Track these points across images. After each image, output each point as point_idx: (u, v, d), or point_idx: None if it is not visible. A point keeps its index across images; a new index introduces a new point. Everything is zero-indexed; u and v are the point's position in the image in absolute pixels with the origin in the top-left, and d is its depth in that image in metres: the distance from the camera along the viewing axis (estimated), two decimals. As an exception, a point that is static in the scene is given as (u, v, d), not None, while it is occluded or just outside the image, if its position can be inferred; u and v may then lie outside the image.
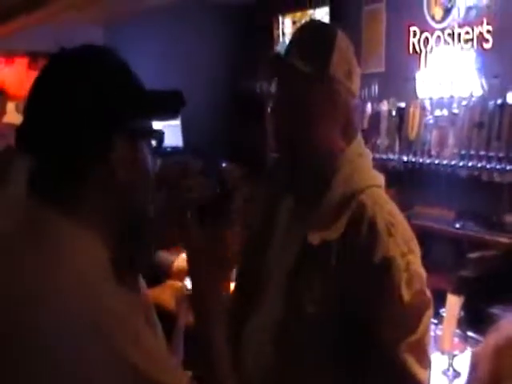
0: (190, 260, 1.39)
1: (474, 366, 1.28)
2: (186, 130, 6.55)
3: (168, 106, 1.24)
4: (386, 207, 1.62)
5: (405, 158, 5.24)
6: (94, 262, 1.11)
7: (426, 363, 1.55)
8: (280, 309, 1.62)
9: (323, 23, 1.73)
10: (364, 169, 1.70)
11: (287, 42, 1.71)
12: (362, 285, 1.54)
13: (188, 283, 3.72)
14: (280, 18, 6.65)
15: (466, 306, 2.93)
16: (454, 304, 3.00)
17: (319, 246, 1.58)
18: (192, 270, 1.39)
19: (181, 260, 3.63)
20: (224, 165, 6.78)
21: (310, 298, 1.58)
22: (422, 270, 1.58)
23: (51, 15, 5.95)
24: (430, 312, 1.57)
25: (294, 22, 6.55)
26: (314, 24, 1.79)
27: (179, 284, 3.42)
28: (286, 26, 6.66)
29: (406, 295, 1.52)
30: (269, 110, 1.72)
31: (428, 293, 1.57)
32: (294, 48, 1.66)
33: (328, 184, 1.65)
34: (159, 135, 1.24)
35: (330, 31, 1.68)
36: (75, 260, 1.08)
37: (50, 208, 1.12)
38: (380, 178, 1.71)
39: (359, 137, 1.73)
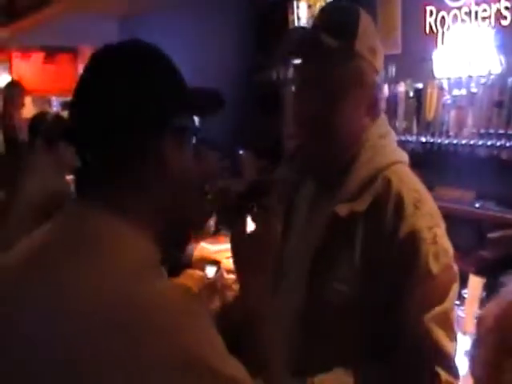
0: (238, 251, 1.39)
1: (478, 332, 1.28)
2: (202, 119, 6.58)
3: (209, 104, 1.26)
4: (411, 183, 1.64)
5: (423, 140, 5.09)
6: (148, 262, 1.10)
7: (452, 335, 1.55)
8: (302, 296, 1.62)
9: (346, 3, 1.73)
10: (388, 147, 1.70)
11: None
12: (390, 258, 1.55)
13: (209, 271, 3.74)
14: (295, 3, 6.48)
15: (487, 287, 2.92)
16: (475, 285, 3.01)
17: (347, 218, 1.59)
18: (239, 261, 1.39)
19: (200, 249, 3.65)
20: (241, 152, 6.79)
21: (336, 278, 1.58)
22: (449, 243, 1.60)
23: (66, 10, 5.99)
24: (457, 286, 1.59)
25: (309, 6, 6.49)
26: (337, 3, 1.80)
27: (200, 273, 3.44)
28: (302, 11, 6.61)
29: (434, 268, 1.53)
30: (291, 92, 1.72)
31: (455, 267, 1.59)
32: (318, 24, 1.65)
33: (352, 163, 1.66)
34: (200, 133, 1.26)
35: (354, 9, 1.68)
36: (131, 258, 1.08)
37: (101, 208, 1.11)
38: (404, 155, 1.73)
39: (383, 116, 1.73)
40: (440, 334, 1.52)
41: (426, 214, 1.59)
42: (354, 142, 1.67)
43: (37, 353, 1.00)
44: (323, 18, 1.69)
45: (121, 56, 1.17)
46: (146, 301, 1.02)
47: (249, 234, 1.38)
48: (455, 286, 1.59)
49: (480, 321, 1.36)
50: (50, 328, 1.01)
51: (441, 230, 1.61)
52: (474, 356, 1.33)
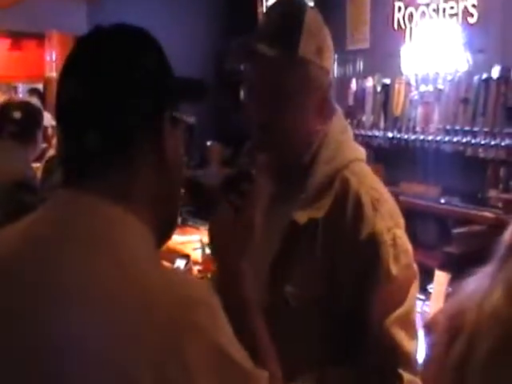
0: (217, 235, 1.39)
1: (428, 331, 1.32)
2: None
3: (195, 92, 1.25)
4: (369, 181, 1.63)
5: (390, 135, 5.26)
6: (157, 254, 1.11)
7: (413, 334, 1.56)
8: (261, 297, 1.57)
9: (290, 2, 1.72)
10: (346, 144, 1.70)
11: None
12: (349, 261, 1.55)
13: (180, 264, 3.75)
14: None
15: (453, 282, 2.96)
16: (441, 280, 3.05)
17: (306, 225, 1.58)
18: (219, 248, 1.40)
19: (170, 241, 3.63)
20: (209, 143, 6.77)
21: (292, 281, 1.59)
22: (408, 243, 1.59)
23: None
24: (417, 284, 1.59)
25: None
26: (282, 3, 1.75)
27: (170, 265, 3.43)
28: (270, 4, 6.62)
29: (394, 270, 1.53)
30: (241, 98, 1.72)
31: (414, 265, 1.59)
32: (261, 31, 1.63)
33: (312, 163, 1.64)
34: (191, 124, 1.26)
35: (299, 9, 1.64)
36: (146, 249, 1.07)
37: (107, 198, 1.08)
38: (362, 152, 1.71)
39: (339, 113, 1.71)
40: (402, 336, 1.54)
41: (385, 214, 1.59)
42: (308, 144, 1.67)
43: (68, 352, 0.97)
44: (266, 23, 1.67)
45: (119, 39, 1.15)
46: (183, 298, 1.02)
47: (229, 223, 1.38)
48: (415, 284, 1.60)
49: (433, 321, 1.39)
50: (82, 329, 0.98)
51: (400, 229, 1.60)
52: (427, 355, 1.35)
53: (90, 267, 1.00)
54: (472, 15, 4.68)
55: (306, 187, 1.62)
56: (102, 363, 0.94)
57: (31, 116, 3.53)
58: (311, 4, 5.74)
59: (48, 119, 3.89)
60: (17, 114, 3.48)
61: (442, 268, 3.16)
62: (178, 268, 3.45)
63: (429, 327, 1.36)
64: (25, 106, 3.61)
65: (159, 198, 1.14)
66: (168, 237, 1.23)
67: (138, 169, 1.11)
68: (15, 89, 7.21)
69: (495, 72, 4.40)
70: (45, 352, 0.97)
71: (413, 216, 4.15)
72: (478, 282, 1.24)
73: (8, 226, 1.13)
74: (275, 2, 1.74)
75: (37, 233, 1.08)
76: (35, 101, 4.09)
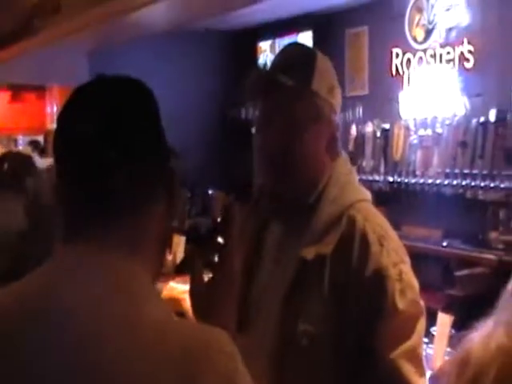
0: (196, 303, 1.37)
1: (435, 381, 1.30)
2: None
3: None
4: (375, 220, 1.65)
5: (390, 179, 5.31)
6: (162, 303, 1.10)
7: (421, 371, 1.57)
8: (274, 336, 1.63)
9: (303, 45, 1.79)
10: (352, 185, 1.73)
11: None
12: (357, 296, 1.57)
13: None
14: (264, 44, 6.77)
15: (456, 325, 2.95)
16: (444, 323, 3.03)
17: (314, 261, 1.61)
18: (199, 312, 1.37)
19: (169, 289, 3.63)
20: (211, 192, 6.79)
21: (303, 318, 1.60)
22: (414, 279, 1.61)
23: (33, 47, 6.00)
24: (424, 320, 1.61)
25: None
26: (295, 45, 1.86)
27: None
28: (270, 52, 6.76)
29: (400, 304, 1.55)
30: (253, 130, 1.75)
31: (421, 302, 1.60)
32: (276, 65, 1.70)
33: (318, 201, 1.67)
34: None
35: (310, 50, 1.73)
36: (158, 299, 1.08)
37: (122, 253, 1.06)
38: (367, 193, 1.74)
39: (344, 156, 1.75)
40: (409, 370, 1.54)
41: (391, 250, 1.61)
42: (316, 179, 1.71)
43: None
44: (281, 59, 1.75)
45: (124, 86, 1.17)
46: (204, 342, 1.02)
47: (205, 284, 1.37)
48: (422, 321, 1.61)
49: (440, 370, 1.38)
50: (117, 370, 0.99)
51: (406, 265, 1.62)
52: None
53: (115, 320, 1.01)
54: (468, 60, 4.76)
55: (313, 226, 1.65)
56: None
57: (20, 165, 3.55)
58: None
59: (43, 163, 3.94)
60: (5, 166, 3.52)
61: (445, 310, 3.15)
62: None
63: (436, 377, 1.35)
64: (12, 157, 3.67)
65: (158, 246, 1.15)
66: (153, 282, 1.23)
67: (149, 216, 1.10)
68: (15, 141, 7.28)
69: (492, 115, 4.48)
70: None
71: (415, 259, 4.12)
72: (483, 329, 1.24)
73: (19, 282, 1.10)
74: (288, 43, 1.82)
75: (56, 297, 1.04)
76: (28, 150, 4.14)
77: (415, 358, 1.56)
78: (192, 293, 1.37)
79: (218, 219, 1.42)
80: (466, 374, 1.21)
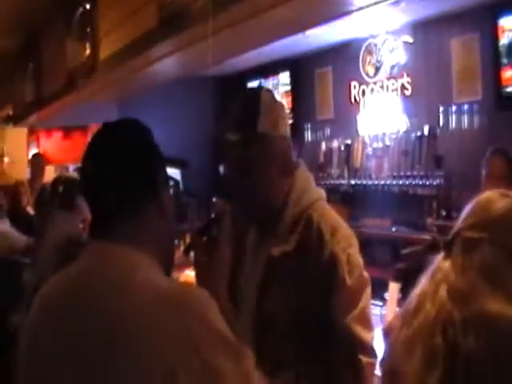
0: (198, 272, 1.52)
1: (386, 334, 1.38)
2: (184, 175, 7.10)
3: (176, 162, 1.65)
4: (328, 215, 1.76)
5: (352, 182, 5.68)
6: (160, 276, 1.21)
7: (369, 328, 1.69)
8: (250, 314, 1.78)
9: (250, 90, 1.79)
10: (310, 188, 1.81)
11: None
12: (316, 277, 1.68)
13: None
14: (252, 84, 7.01)
15: (402, 291, 3.18)
16: (394, 290, 3.25)
17: (279, 257, 1.72)
18: (201, 281, 1.51)
19: (185, 277, 3.87)
20: (214, 199, 7.32)
21: (274, 300, 1.73)
22: (360, 258, 1.72)
23: (79, 100, 6.68)
24: (369, 290, 1.71)
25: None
26: (242, 94, 1.89)
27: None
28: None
29: (349, 281, 1.66)
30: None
31: (366, 274, 1.72)
32: (227, 121, 1.75)
33: (282, 208, 1.76)
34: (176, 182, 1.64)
35: (255, 94, 1.76)
36: (162, 280, 1.18)
37: (127, 246, 1.20)
38: (322, 193, 1.83)
39: (302, 165, 1.83)
40: (360, 330, 1.64)
41: (341, 238, 1.68)
42: (279, 196, 1.76)
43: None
44: (231, 114, 1.75)
45: (126, 131, 1.27)
46: (187, 292, 1.16)
47: (204, 263, 1.49)
48: (367, 289, 1.70)
49: (389, 325, 1.42)
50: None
51: (352, 248, 1.69)
52: (385, 353, 1.38)
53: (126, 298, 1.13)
54: (407, 89, 5.32)
55: (279, 227, 1.75)
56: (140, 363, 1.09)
57: (71, 188, 3.58)
58: (288, 88, 6.45)
59: None
60: (60, 188, 3.63)
61: (395, 280, 3.33)
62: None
63: (386, 331, 1.40)
64: (65, 180, 3.72)
65: (160, 238, 1.25)
66: (169, 270, 1.32)
67: (144, 219, 1.22)
68: (66, 168, 7.67)
69: (426, 131, 5.04)
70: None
71: (371, 243, 4.86)
72: (420, 287, 1.29)
73: (60, 272, 1.28)
74: (237, 95, 1.84)
75: (82, 276, 1.20)
76: (75, 175, 4.24)
77: (364, 320, 1.67)
78: (196, 265, 1.52)
79: (212, 215, 1.58)
80: (407, 313, 1.26)
